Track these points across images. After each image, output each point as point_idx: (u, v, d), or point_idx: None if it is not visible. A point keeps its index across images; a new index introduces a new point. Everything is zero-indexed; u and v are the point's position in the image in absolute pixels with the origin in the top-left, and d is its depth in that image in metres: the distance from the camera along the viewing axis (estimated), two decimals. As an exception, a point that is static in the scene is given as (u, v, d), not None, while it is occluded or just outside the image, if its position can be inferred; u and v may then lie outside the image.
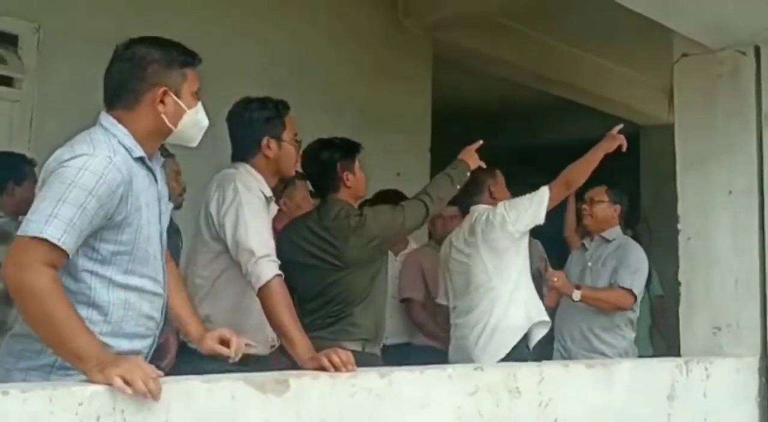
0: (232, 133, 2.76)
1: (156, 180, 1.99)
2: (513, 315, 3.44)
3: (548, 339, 3.66)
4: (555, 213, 3.56)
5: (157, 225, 1.98)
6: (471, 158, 3.23)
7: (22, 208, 2.27)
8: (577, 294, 3.71)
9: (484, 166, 3.30)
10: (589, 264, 4.00)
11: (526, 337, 3.46)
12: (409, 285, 4.38)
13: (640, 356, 4.11)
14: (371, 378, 2.11)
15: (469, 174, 3.21)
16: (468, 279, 3.54)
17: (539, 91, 6.95)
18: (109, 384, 1.59)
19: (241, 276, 2.50)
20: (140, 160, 1.92)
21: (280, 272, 2.42)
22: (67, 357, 1.72)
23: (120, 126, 1.91)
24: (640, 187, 7.96)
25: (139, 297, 1.92)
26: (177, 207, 3.50)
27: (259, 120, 2.70)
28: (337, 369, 2.09)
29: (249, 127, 2.70)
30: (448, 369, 2.37)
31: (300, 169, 3.06)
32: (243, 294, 2.57)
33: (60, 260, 1.74)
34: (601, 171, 3.57)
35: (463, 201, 3.66)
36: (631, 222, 5.72)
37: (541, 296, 3.71)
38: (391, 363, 2.68)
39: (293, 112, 2.78)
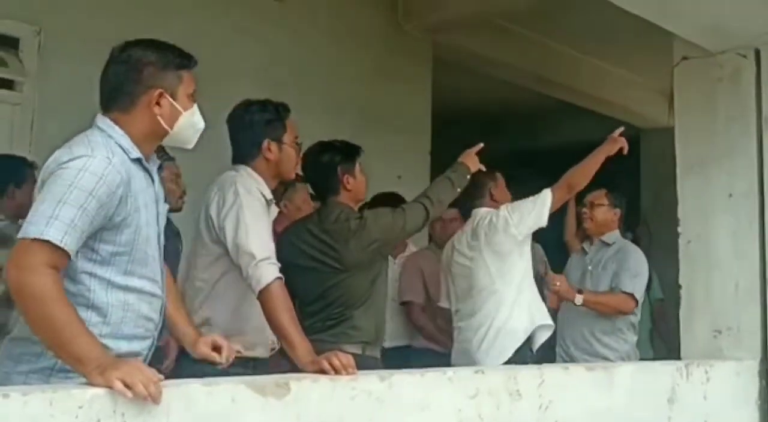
0: (232, 135, 2.76)
1: (153, 181, 2.00)
2: (516, 318, 3.44)
3: (550, 343, 3.65)
4: (555, 217, 3.56)
5: (155, 226, 1.99)
6: (471, 161, 3.23)
7: (23, 210, 2.27)
8: (579, 299, 3.71)
9: (483, 169, 3.30)
10: (590, 268, 4.00)
11: (529, 340, 3.46)
12: (409, 288, 4.38)
13: (641, 359, 4.11)
14: (371, 381, 2.11)
15: (469, 177, 3.21)
16: (471, 282, 3.54)
17: (539, 93, 6.95)
18: (110, 387, 1.59)
19: (242, 278, 2.50)
20: (137, 161, 1.93)
21: (280, 275, 2.42)
22: (67, 360, 1.72)
23: (117, 128, 1.92)
24: (640, 190, 7.96)
25: (138, 299, 1.92)
26: (177, 210, 3.51)
27: (260, 122, 2.70)
28: (337, 372, 2.09)
29: (249, 129, 2.70)
30: (449, 372, 2.37)
31: (300, 172, 3.06)
32: (243, 296, 2.57)
33: (62, 261, 1.74)
34: (602, 174, 3.58)
35: (464, 204, 3.66)
36: (631, 226, 5.73)
37: (543, 299, 3.71)
38: (391, 366, 2.67)
39: (293, 114, 2.79)
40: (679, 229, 3.61)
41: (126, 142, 1.91)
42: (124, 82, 1.93)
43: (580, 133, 6.11)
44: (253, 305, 2.50)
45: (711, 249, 3.53)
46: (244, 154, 2.71)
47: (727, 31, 3.41)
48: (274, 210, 2.76)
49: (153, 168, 2.01)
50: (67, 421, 1.53)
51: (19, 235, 1.74)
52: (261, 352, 2.68)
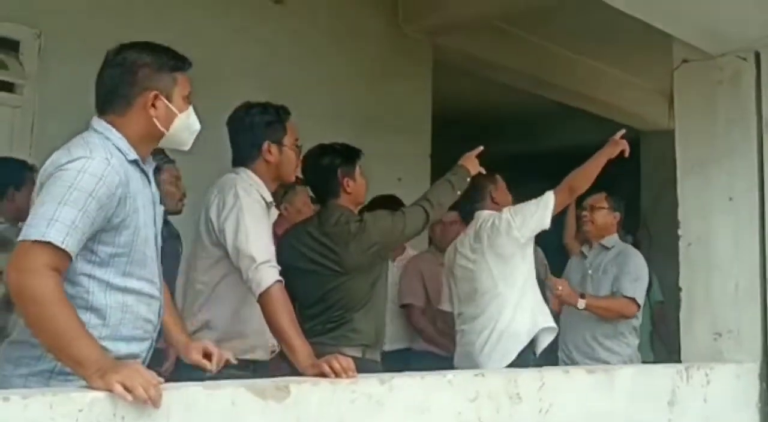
0: (232, 137, 2.76)
1: (150, 182, 2.00)
2: (519, 320, 3.43)
3: (552, 347, 3.65)
4: (554, 220, 3.56)
5: (153, 227, 1.99)
6: (471, 164, 3.23)
7: (22, 213, 2.27)
8: (581, 303, 3.71)
9: (483, 171, 3.30)
10: (590, 272, 3.99)
11: (532, 344, 3.46)
12: (409, 291, 4.38)
13: (642, 362, 4.10)
14: (372, 384, 2.11)
15: (469, 180, 3.21)
16: (474, 285, 3.53)
17: (539, 95, 6.95)
18: (110, 390, 1.59)
19: (242, 281, 2.50)
20: (135, 163, 1.93)
21: (280, 278, 2.42)
22: (67, 363, 1.72)
23: (114, 130, 1.92)
24: (641, 192, 7.97)
25: (137, 300, 1.92)
26: (177, 212, 3.51)
27: (260, 124, 2.70)
28: (337, 375, 2.09)
29: (250, 131, 2.70)
30: (449, 374, 2.37)
31: (300, 175, 3.06)
32: (244, 299, 2.57)
33: (63, 263, 1.74)
34: (602, 176, 3.57)
35: (465, 208, 3.67)
36: (631, 228, 5.73)
37: (545, 302, 3.71)
38: (391, 369, 2.67)
39: (293, 117, 2.79)
40: (680, 232, 3.61)
41: (123, 143, 1.91)
42: (120, 84, 1.94)
43: (580, 136, 6.11)
44: (253, 308, 2.50)
45: (711, 252, 3.54)
46: (244, 156, 2.71)
47: (727, 34, 3.41)
48: (274, 212, 2.76)
49: (149, 169, 2.01)
50: (67, 424, 1.53)
51: (20, 238, 1.74)
52: (261, 355, 2.68)
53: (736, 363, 3.37)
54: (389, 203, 3.88)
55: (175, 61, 2.01)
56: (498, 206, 3.60)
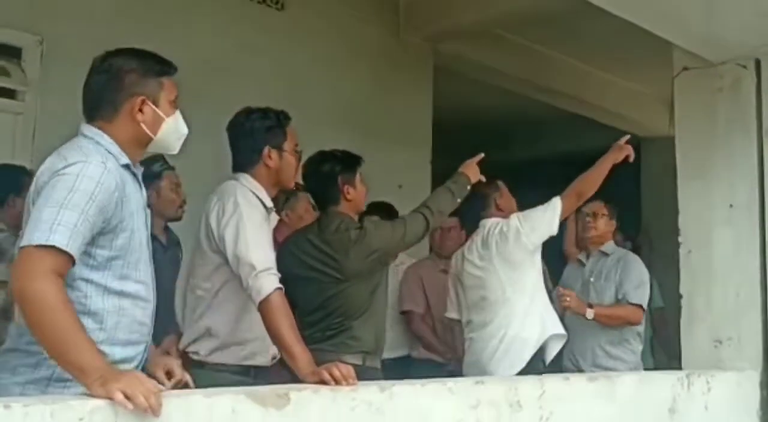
0: (232, 142, 2.77)
1: (140, 186, 2.02)
2: (529, 328, 3.43)
3: (558, 355, 3.63)
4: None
5: (145, 230, 2.01)
6: (471, 171, 3.22)
7: (23, 220, 2.27)
8: (590, 313, 3.71)
9: (483, 179, 3.30)
10: (592, 279, 3.99)
11: (541, 351, 3.46)
12: (409, 298, 4.38)
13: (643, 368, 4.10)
14: (372, 391, 2.11)
15: (469, 187, 3.21)
16: (483, 292, 3.53)
17: (540, 102, 6.96)
18: (110, 398, 1.59)
19: (242, 288, 2.50)
20: (126, 167, 1.95)
21: (280, 286, 2.41)
22: (69, 369, 1.72)
23: (105, 135, 1.94)
24: (641, 199, 7.97)
25: (133, 304, 1.93)
26: (177, 219, 3.52)
27: (261, 129, 2.71)
28: (337, 382, 2.08)
29: (250, 136, 2.71)
30: (449, 382, 2.37)
31: (300, 181, 3.06)
32: (244, 306, 2.57)
33: (66, 267, 1.75)
34: (603, 182, 3.58)
35: (469, 217, 3.67)
36: (631, 235, 5.73)
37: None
38: (390, 377, 2.67)
39: (294, 123, 2.79)
40: (680, 239, 3.61)
41: (114, 148, 1.93)
42: (107, 90, 1.96)
43: (581, 142, 6.12)
44: (254, 314, 2.49)
45: (711, 259, 3.54)
46: (244, 161, 2.71)
47: (728, 42, 3.42)
48: (274, 217, 2.76)
49: (139, 173, 2.03)
50: (68, 432, 1.53)
51: (23, 243, 1.74)
52: (262, 361, 2.67)
53: (737, 371, 3.37)
54: (383, 210, 3.89)
55: (161, 66, 2.02)
56: (503, 213, 3.60)
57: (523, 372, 3.32)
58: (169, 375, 2.06)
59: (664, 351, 5.18)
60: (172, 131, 2.03)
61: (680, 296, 3.62)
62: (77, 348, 1.68)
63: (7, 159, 3.62)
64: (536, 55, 6.43)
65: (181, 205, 3.50)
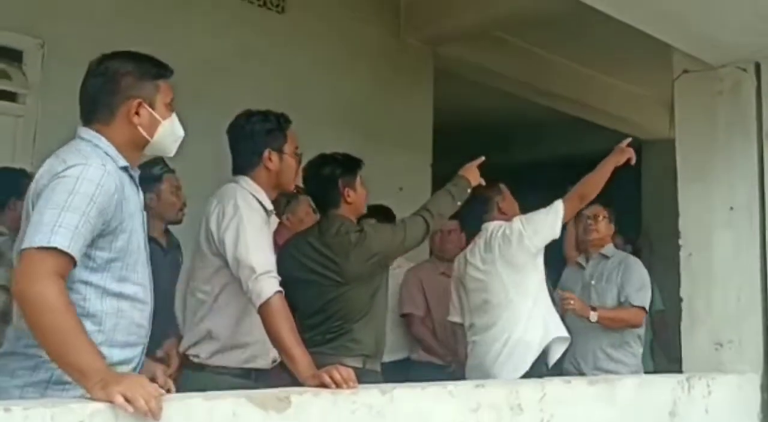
0: (232, 145, 2.77)
1: (137, 189, 2.03)
2: (532, 331, 3.43)
3: (559, 358, 3.63)
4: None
5: (143, 233, 2.02)
6: (472, 174, 3.23)
7: (22, 223, 2.28)
8: (594, 316, 3.70)
9: (483, 182, 3.30)
10: (593, 282, 3.98)
11: (544, 354, 3.45)
12: (409, 300, 4.38)
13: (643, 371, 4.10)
14: (372, 394, 2.11)
15: (469, 190, 3.21)
16: (486, 296, 3.53)
17: (540, 105, 6.96)
18: (111, 401, 1.59)
19: (243, 291, 2.50)
20: (124, 169, 1.96)
21: (280, 289, 2.41)
22: (69, 371, 1.72)
23: (103, 138, 1.95)
24: (642, 201, 7.97)
25: (131, 306, 1.94)
26: (177, 222, 3.51)
27: (261, 132, 2.71)
28: (338, 385, 2.08)
29: (250, 139, 2.71)
30: (450, 385, 2.37)
31: (301, 184, 3.06)
32: (245, 309, 2.57)
33: (67, 268, 1.76)
34: (606, 185, 3.58)
35: (472, 220, 3.67)
36: (631, 237, 5.73)
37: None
38: (390, 380, 2.67)
39: (294, 126, 2.79)
40: (680, 242, 3.61)
41: (112, 151, 1.94)
42: (103, 93, 1.97)
43: (581, 145, 6.13)
44: (254, 317, 2.49)
45: (712, 262, 3.54)
46: (244, 164, 2.72)
47: (727, 45, 3.42)
48: (274, 220, 2.76)
49: (136, 176, 2.04)
50: (68, 436, 1.53)
51: (24, 245, 1.75)
52: (262, 364, 2.67)
53: (738, 374, 3.37)
54: (379, 212, 3.89)
55: (157, 69, 2.03)
56: (506, 216, 3.60)
57: (527, 375, 3.32)
58: (151, 381, 2.07)
59: (664, 355, 5.17)
60: (168, 134, 2.04)
61: (681, 299, 3.62)
62: (78, 351, 1.68)
63: (8, 162, 3.62)
64: (536, 58, 6.43)
65: (181, 208, 3.50)
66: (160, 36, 4.01)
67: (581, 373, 3.84)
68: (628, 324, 3.85)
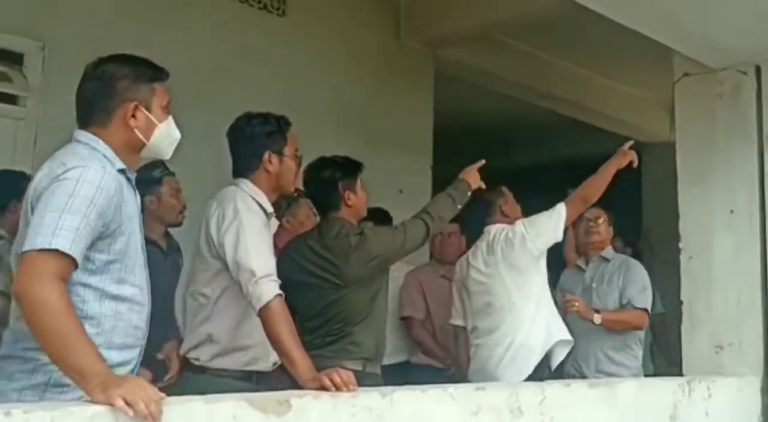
0: (233, 147, 2.77)
1: (134, 191, 2.03)
2: (535, 334, 3.43)
3: (561, 361, 3.62)
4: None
5: (140, 235, 2.02)
6: (472, 177, 3.23)
7: (21, 225, 2.28)
8: (597, 318, 3.70)
9: (484, 185, 3.30)
10: (594, 284, 3.98)
11: (547, 357, 3.45)
12: (409, 304, 4.38)
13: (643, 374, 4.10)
14: (373, 397, 2.10)
15: (470, 193, 3.21)
16: (488, 299, 3.52)
17: (541, 108, 6.97)
18: (111, 404, 1.59)
19: (243, 294, 2.50)
20: (122, 172, 1.96)
21: (280, 292, 2.41)
22: (69, 373, 1.72)
23: (100, 141, 1.96)
24: (642, 204, 7.96)
25: (129, 308, 1.94)
26: (177, 224, 3.51)
27: (261, 134, 2.71)
28: (338, 388, 2.08)
29: (250, 141, 2.71)
30: (450, 388, 2.36)
31: (301, 186, 3.06)
32: (245, 311, 2.57)
33: (69, 270, 1.76)
34: (607, 187, 3.58)
35: (474, 224, 3.67)
36: (631, 240, 5.73)
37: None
38: (389, 383, 2.67)
39: (294, 128, 2.80)
40: (681, 245, 3.61)
41: (110, 153, 1.95)
42: (99, 96, 1.97)
43: (582, 148, 6.12)
44: (254, 320, 2.49)
45: (712, 265, 3.54)
46: (244, 166, 2.72)
47: (728, 48, 3.42)
48: (274, 223, 2.76)
49: (133, 178, 2.04)
50: (68, 439, 1.53)
51: (25, 248, 1.75)
52: (263, 366, 2.67)
53: (738, 377, 3.37)
54: (376, 216, 3.89)
55: (153, 72, 2.04)
56: (508, 219, 3.60)
57: (530, 379, 3.32)
58: None
59: (664, 358, 5.17)
60: (164, 136, 2.05)
61: (681, 302, 3.62)
62: (78, 353, 1.68)
63: (8, 164, 3.63)
64: (537, 61, 6.44)
65: (181, 211, 3.50)
66: (160, 38, 4.02)
67: (583, 376, 3.83)
68: (632, 326, 3.85)
